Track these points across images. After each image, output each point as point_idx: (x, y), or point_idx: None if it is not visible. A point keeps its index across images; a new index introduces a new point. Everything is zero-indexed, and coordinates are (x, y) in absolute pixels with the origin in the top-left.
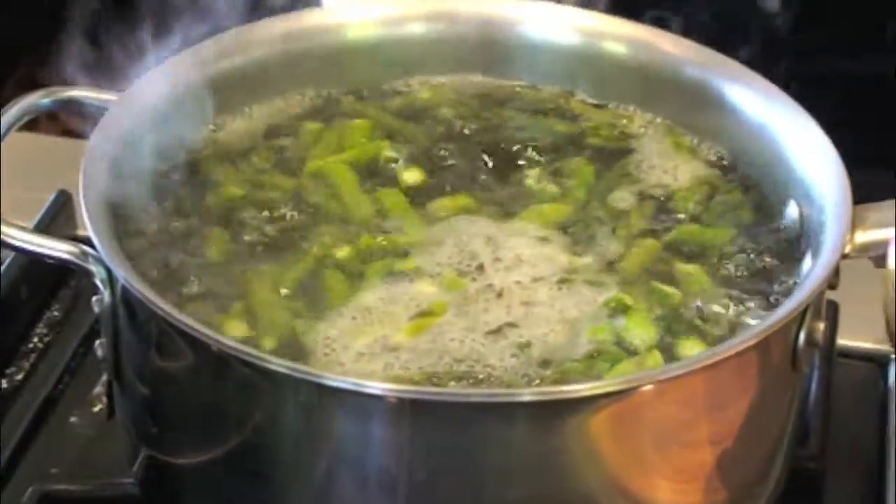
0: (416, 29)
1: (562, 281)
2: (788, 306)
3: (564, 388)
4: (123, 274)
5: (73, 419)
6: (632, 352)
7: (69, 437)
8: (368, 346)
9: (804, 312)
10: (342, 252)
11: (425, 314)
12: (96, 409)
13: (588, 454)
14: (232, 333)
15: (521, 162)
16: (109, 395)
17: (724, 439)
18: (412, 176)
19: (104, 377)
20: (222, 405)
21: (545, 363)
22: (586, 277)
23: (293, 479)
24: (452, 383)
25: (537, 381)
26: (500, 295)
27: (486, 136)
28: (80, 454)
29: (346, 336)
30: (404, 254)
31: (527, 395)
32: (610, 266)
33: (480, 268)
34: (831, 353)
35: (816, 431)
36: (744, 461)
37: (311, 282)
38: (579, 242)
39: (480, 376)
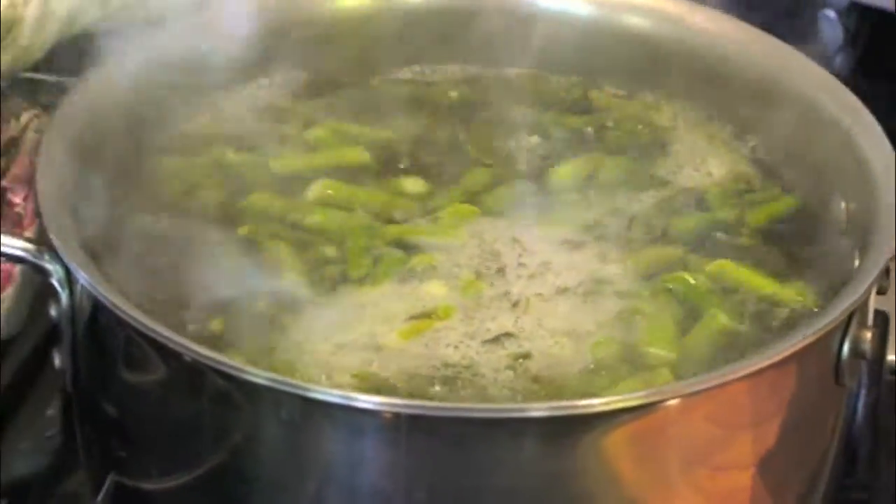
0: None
1: (588, 293)
2: (833, 310)
3: (577, 402)
4: (84, 274)
5: (23, 445)
6: (641, 368)
7: (20, 466)
8: (352, 341)
9: (849, 319)
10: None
11: (426, 316)
12: (49, 433)
13: (604, 476)
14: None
15: (538, 162)
16: (65, 418)
17: (758, 462)
18: (413, 185)
19: (59, 399)
20: (196, 421)
21: (538, 378)
22: (616, 288)
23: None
24: (436, 388)
25: (521, 396)
26: (515, 304)
27: (494, 134)
28: (33, 485)
29: (330, 329)
30: (422, 249)
31: (536, 410)
32: (640, 273)
33: (501, 271)
34: (881, 370)
35: (864, 457)
36: (782, 487)
37: (298, 275)
38: (608, 247)
39: (462, 384)
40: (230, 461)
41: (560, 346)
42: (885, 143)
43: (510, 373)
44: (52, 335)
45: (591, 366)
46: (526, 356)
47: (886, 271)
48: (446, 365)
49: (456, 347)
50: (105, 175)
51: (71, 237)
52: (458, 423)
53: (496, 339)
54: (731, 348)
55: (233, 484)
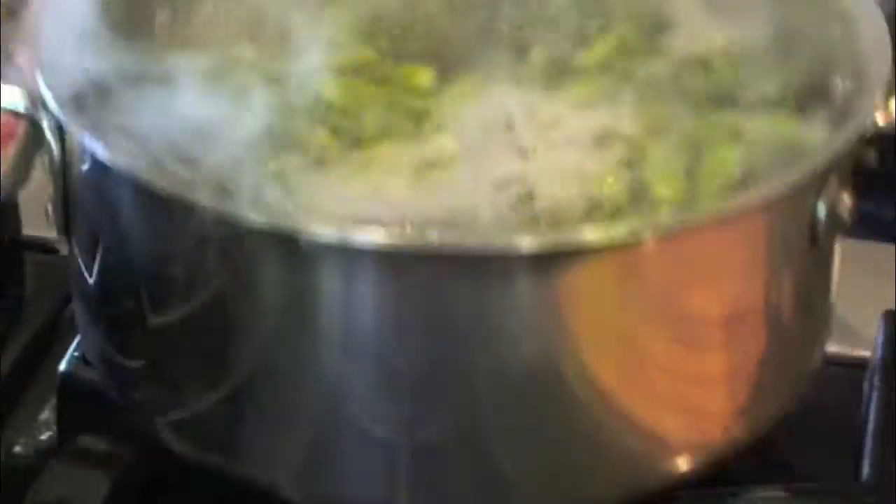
0: None
1: (597, 142)
2: (807, 163)
3: (540, 238)
4: (67, 119)
5: (17, 448)
6: (645, 206)
7: (13, 469)
8: (355, 189)
9: (826, 176)
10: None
11: (433, 165)
12: (44, 436)
13: (582, 316)
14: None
15: (544, 47)
16: (60, 417)
17: (730, 314)
18: (422, 76)
19: (53, 399)
20: (187, 264)
21: (541, 216)
22: (626, 138)
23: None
24: (437, 228)
25: (517, 229)
26: (522, 153)
27: (502, 26)
28: (27, 490)
29: (333, 180)
30: (427, 115)
31: (524, 245)
32: (651, 127)
33: (510, 127)
34: (893, 369)
35: (875, 461)
36: (758, 346)
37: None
38: (620, 108)
39: (464, 225)
40: (223, 304)
41: (565, 188)
42: (878, 14)
43: (513, 213)
44: (45, 338)
45: (595, 204)
46: (530, 197)
47: (871, 142)
48: (449, 208)
49: (460, 191)
50: (108, 29)
51: (62, 86)
52: (443, 260)
53: (501, 184)
54: (739, 189)
55: (227, 327)
